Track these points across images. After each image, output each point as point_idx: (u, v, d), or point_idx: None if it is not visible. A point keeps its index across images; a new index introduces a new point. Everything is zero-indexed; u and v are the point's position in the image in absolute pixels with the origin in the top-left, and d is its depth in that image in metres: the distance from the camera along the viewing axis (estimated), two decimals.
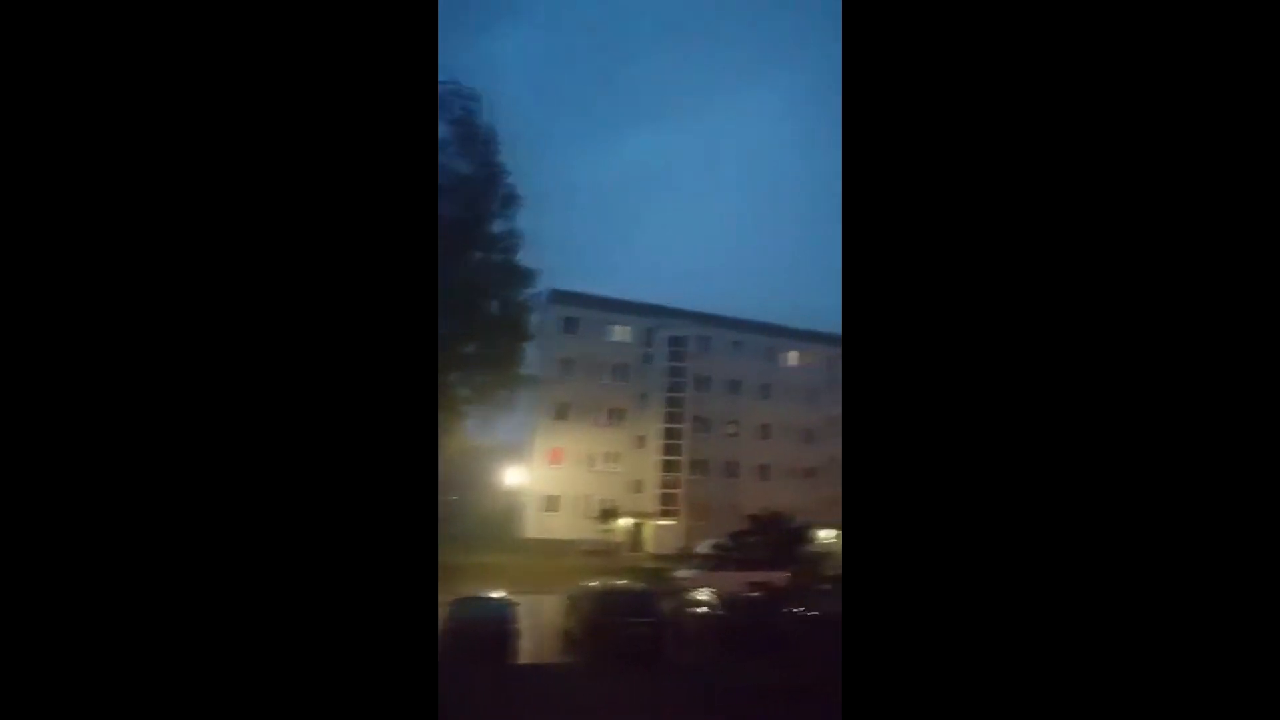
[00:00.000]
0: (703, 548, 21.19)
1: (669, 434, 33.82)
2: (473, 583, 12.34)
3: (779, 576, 17.05)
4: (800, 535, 21.90)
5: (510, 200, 18.15)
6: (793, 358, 38.04)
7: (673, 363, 34.71)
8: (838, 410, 37.66)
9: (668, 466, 33.52)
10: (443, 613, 8.58)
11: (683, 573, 18.26)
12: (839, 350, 34.98)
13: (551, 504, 31.23)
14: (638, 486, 32.88)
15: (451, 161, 16.37)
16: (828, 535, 31.20)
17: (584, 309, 33.75)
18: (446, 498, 14.87)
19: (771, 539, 20.56)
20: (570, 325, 33.41)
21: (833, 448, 37.38)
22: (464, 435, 19.65)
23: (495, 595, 11.40)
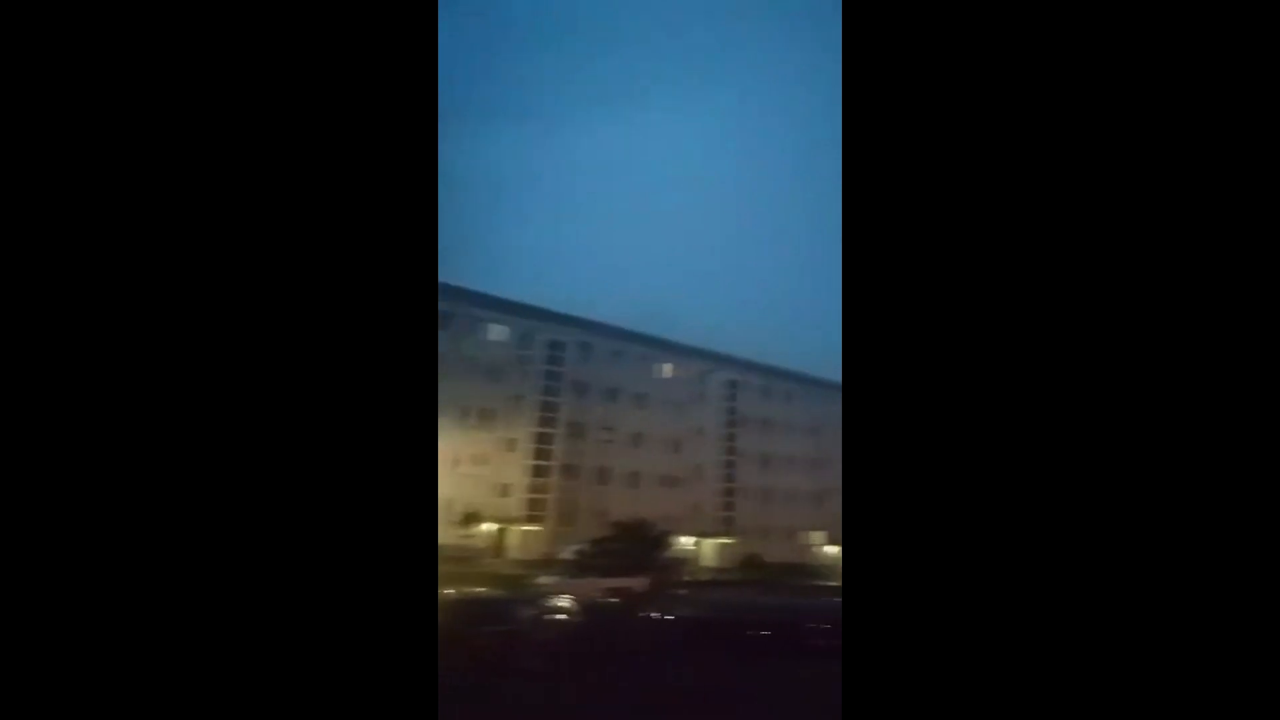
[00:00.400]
0: (566, 554, 21.08)
1: (540, 438, 33.36)
2: None
3: (638, 582, 17.36)
4: (660, 541, 22.49)
5: None
6: (668, 369, 39.19)
7: (550, 366, 34.36)
8: (705, 422, 39.50)
9: (537, 471, 33.03)
10: None
11: (544, 579, 18.02)
12: (710, 364, 36.52)
13: None
14: (504, 491, 32.07)
15: None
16: (687, 541, 32.34)
17: (458, 303, 32.47)
18: None
19: (633, 545, 20.91)
20: (444, 320, 31.97)
21: (699, 458, 38.99)
22: None
23: None
